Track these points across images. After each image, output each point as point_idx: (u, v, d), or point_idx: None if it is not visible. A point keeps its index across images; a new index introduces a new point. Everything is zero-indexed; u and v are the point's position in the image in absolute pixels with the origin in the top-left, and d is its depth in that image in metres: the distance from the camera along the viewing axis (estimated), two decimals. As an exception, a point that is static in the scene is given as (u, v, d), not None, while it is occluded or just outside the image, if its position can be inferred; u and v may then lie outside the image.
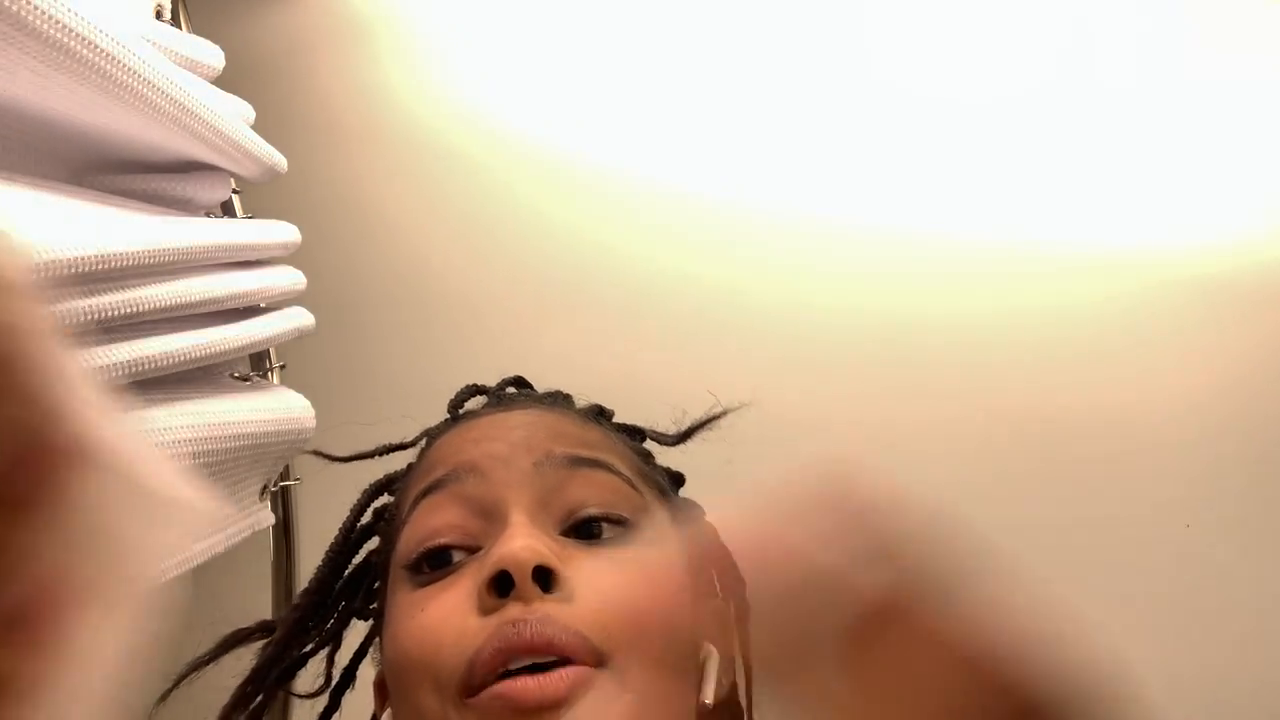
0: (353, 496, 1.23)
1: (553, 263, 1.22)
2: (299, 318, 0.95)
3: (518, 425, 0.58)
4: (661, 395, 1.23)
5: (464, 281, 1.22)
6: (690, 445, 1.22)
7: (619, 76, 1.22)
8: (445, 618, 0.50)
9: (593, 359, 1.22)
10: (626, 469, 0.58)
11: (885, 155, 1.23)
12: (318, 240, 1.05)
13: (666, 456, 1.23)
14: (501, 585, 0.48)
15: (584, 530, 0.53)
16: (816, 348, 1.24)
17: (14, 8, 0.49)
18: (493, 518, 0.52)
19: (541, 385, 1.21)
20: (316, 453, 0.68)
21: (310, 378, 1.04)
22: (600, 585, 0.49)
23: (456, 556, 0.52)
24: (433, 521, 0.53)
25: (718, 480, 1.23)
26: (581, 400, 0.75)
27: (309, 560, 1.06)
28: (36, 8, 0.50)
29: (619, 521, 0.53)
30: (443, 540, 0.52)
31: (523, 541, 0.49)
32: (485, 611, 0.48)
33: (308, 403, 0.96)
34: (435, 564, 0.52)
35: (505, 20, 1.22)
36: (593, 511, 0.53)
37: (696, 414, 1.23)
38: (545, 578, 0.48)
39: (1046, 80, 1.21)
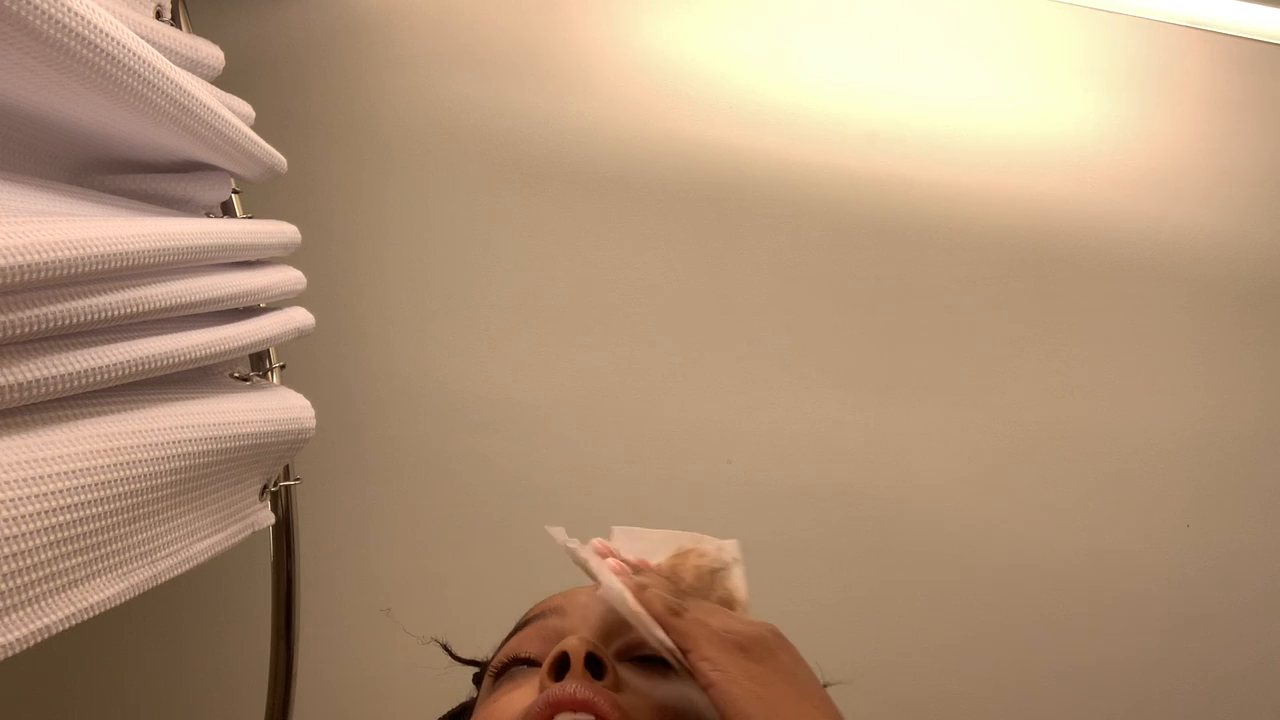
0: (353, 497, 1.24)
1: (552, 264, 1.22)
2: (299, 318, 0.94)
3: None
4: (659, 397, 1.23)
5: (463, 282, 1.22)
6: (692, 447, 1.22)
7: (614, 79, 1.22)
8: (510, 703, 0.57)
9: (592, 359, 1.22)
10: None
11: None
12: (318, 240, 1.06)
13: (670, 453, 1.23)
14: (559, 668, 0.56)
15: (641, 662, 0.60)
16: (812, 356, 1.25)
17: (14, 8, 0.49)
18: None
19: (539, 384, 1.22)
20: (445, 647, 0.75)
21: (310, 378, 1.04)
22: (647, 687, 0.57)
23: (531, 668, 0.61)
24: (516, 646, 0.63)
25: (719, 478, 1.25)
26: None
27: (309, 560, 1.07)
28: (36, 8, 0.50)
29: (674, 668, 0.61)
30: (521, 655, 0.62)
31: (580, 636, 0.58)
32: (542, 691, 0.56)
33: (308, 403, 0.96)
34: (512, 673, 0.62)
35: (504, 21, 1.21)
36: (653, 652, 0.60)
37: (703, 421, 1.23)
38: (597, 666, 0.56)
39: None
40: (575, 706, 0.53)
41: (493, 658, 0.67)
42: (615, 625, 0.62)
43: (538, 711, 0.54)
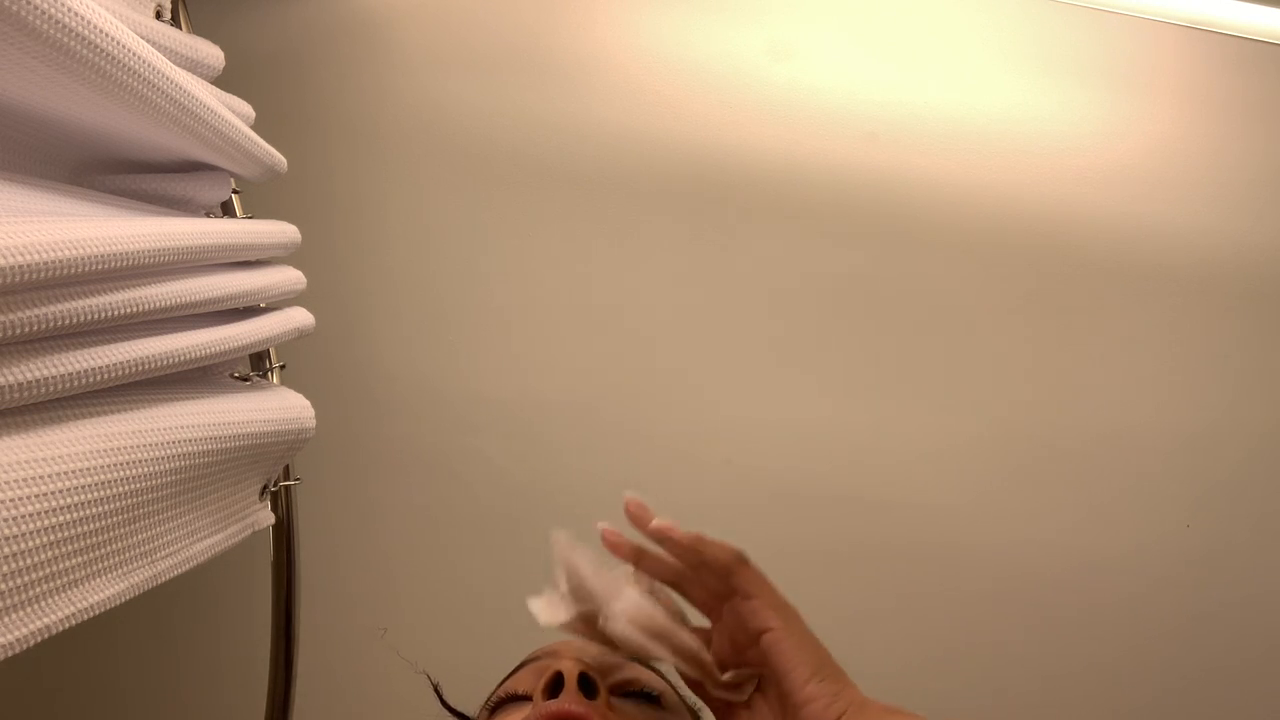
0: (353, 497, 1.24)
1: (552, 264, 1.22)
2: (299, 318, 0.94)
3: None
4: (658, 397, 1.23)
5: (463, 281, 1.22)
6: (693, 447, 1.23)
7: (614, 79, 1.22)
8: None
9: (591, 359, 1.22)
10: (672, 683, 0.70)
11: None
12: (318, 240, 1.05)
13: (669, 453, 1.23)
14: (554, 688, 0.58)
15: (630, 697, 0.63)
16: (812, 356, 1.25)
17: (14, 8, 0.49)
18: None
19: (539, 384, 1.22)
20: (437, 691, 0.75)
21: (310, 378, 1.04)
22: (636, 714, 0.60)
23: (525, 703, 0.62)
24: (511, 685, 0.66)
25: (718, 478, 1.24)
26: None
27: (309, 560, 1.07)
28: (36, 8, 0.50)
29: (659, 700, 0.63)
30: (517, 692, 0.64)
31: (572, 657, 0.61)
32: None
33: (308, 403, 0.96)
34: (506, 708, 0.64)
35: (504, 21, 1.22)
36: (642, 687, 0.63)
37: (702, 421, 1.23)
38: (589, 686, 0.58)
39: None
40: (569, 718, 0.55)
41: (487, 700, 0.68)
42: (608, 664, 0.64)
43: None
